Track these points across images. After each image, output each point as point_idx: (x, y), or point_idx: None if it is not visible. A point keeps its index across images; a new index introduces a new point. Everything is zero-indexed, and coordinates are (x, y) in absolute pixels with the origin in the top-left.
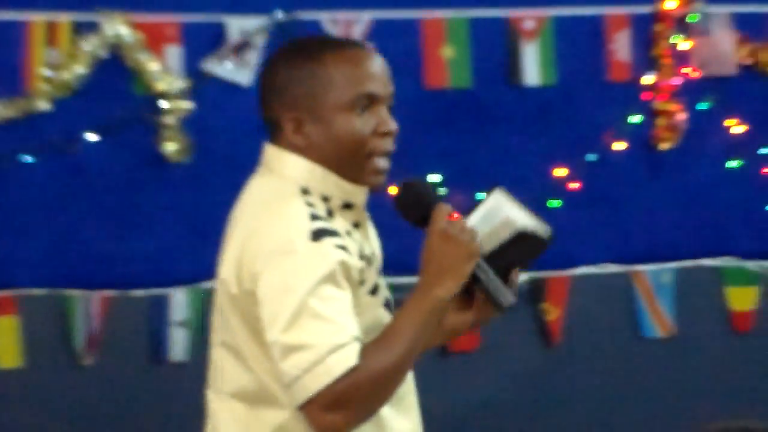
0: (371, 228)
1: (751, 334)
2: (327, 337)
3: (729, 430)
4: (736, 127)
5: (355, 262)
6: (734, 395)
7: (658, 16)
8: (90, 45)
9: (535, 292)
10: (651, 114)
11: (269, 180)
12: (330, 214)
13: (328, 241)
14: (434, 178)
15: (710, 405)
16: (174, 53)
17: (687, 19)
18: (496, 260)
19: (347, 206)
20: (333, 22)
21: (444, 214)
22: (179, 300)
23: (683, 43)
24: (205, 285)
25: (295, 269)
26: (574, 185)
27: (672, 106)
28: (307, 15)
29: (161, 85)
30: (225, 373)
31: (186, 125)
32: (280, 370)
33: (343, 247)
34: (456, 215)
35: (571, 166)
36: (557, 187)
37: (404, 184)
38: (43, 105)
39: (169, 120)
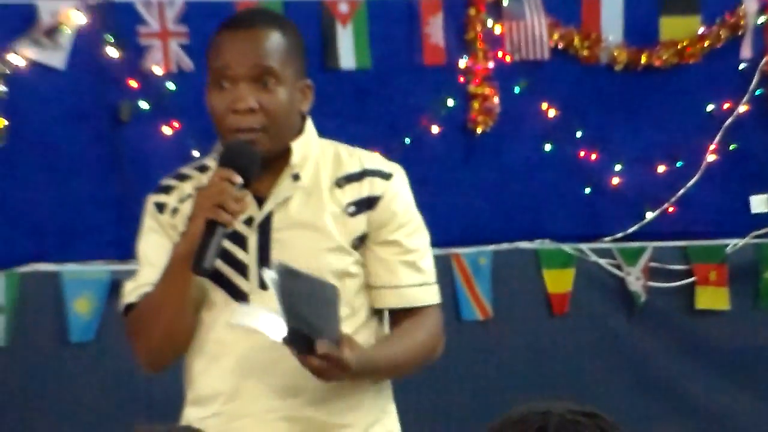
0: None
1: (568, 316)
2: (135, 277)
3: (531, 414)
4: (550, 110)
5: (164, 219)
6: (551, 377)
7: (471, 1)
8: None
9: None
10: (466, 98)
11: None
12: (183, 178)
13: (152, 197)
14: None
15: (527, 387)
16: None
17: (501, 3)
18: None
19: None
20: (146, 5)
21: (215, 176)
22: None
23: (496, 27)
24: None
25: None
26: None
27: (486, 90)
28: None
29: None
30: None
31: None
32: None
33: (159, 204)
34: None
35: (388, 150)
36: None
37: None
38: None
39: None
